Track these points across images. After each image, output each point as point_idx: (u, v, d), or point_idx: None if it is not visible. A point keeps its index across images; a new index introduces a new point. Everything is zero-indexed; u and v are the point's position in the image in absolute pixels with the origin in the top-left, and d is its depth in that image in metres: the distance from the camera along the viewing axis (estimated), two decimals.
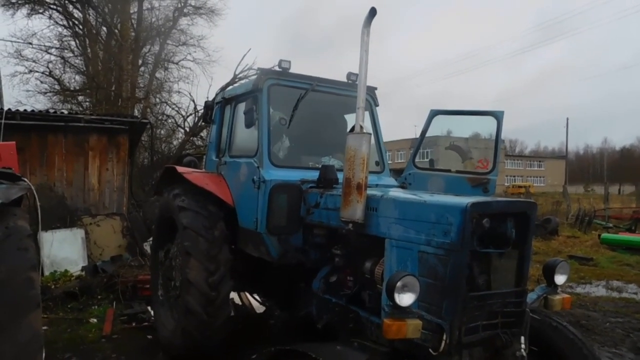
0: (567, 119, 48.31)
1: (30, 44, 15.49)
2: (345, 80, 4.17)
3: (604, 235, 12.66)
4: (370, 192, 2.89)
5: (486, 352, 2.39)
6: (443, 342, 2.24)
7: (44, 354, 2.37)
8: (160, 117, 15.12)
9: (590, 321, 5.84)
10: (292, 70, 3.94)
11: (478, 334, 2.34)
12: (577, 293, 7.39)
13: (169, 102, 15.66)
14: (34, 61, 15.62)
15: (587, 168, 75.36)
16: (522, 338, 2.37)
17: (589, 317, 6.03)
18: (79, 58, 16.86)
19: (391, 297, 2.16)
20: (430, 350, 2.28)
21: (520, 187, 43.04)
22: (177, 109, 14.70)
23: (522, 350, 2.34)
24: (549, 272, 2.79)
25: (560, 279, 2.78)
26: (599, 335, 5.35)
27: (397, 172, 4.61)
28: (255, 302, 5.53)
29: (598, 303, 6.83)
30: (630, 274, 9.07)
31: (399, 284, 2.15)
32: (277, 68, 3.93)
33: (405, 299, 2.17)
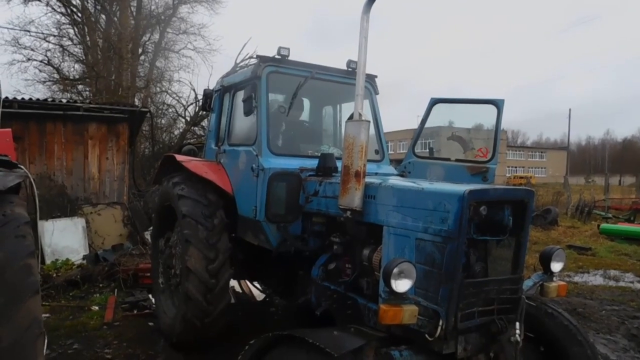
0: (570, 109, 48.20)
1: (28, 31, 15.33)
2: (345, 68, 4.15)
3: (603, 225, 12.70)
4: (368, 179, 2.89)
5: (482, 338, 2.41)
6: (439, 328, 2.26)
7: (46, 340, 2.39)
8: (160, 107, 15.08)
9: (586, 309, 5.88)
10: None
11: (474, 320, 2.37)
12: (575, 282, 7.44)
13: (169, 91, 15.61)
14: (32, 49, 15.47)
15: (588, 159, 75.11)
16: (518, 324, 2.39)
17: (585, 305, 6.08)
18: (78, 46, 16.68)
19: (388, 284, 2.18)
20: (427, 335, 2.30)
21: (521, 178, 43.02)
22: (177, 98, 14.67)
23: (517, 336, 2.36)
24: (545, 260, 2.80)
25: (556, 266, 2.80)
26: (595, 323, 5.40)
27: (398, 162, 4.59)
28: (255, 290, 5.57)
29: (595, 291, 6.88)
30: (627, 263, 9.12)
31: (395, 270, 2.16)
32: (276, 56, 3.90)
33: (402, 285, 2.19)
